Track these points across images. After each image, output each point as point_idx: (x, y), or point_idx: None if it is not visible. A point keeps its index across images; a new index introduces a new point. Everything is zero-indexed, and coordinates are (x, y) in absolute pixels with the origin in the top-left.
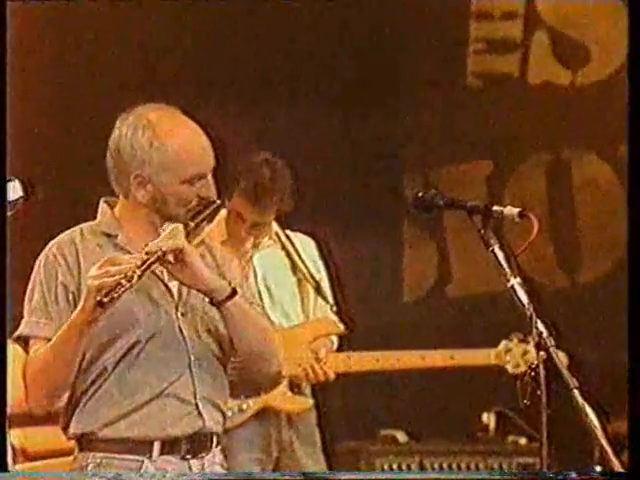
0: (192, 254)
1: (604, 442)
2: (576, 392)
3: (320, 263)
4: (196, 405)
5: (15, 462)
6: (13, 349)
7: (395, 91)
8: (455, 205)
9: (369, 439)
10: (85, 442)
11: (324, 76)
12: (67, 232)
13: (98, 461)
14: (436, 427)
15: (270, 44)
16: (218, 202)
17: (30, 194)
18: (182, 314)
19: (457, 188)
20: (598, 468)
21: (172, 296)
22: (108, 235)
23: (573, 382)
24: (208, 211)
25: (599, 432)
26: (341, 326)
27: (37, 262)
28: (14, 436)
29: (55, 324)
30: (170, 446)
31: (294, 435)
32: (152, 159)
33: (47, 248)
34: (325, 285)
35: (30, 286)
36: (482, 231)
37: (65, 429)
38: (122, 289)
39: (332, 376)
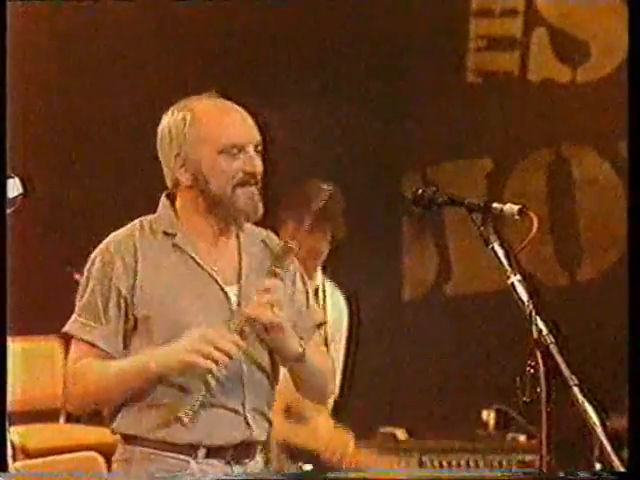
0: (284, 324)
1: (604, 439)
2: (576, 389)
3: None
4: (245, 417)
5: (15, 459)
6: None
7: (395, 89)
8: (454, 202)
9: (368, 437)
10: (131, 437)
11: (324, 74)
12: (127, 227)
13: (143, 456)
14: (435, 424)
15: (268, 44)
16: (294, 247)
17: (30, 191)
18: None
19: (457, 185)
20: (598, 465)
21: (230, 305)
22: (167, 234)
23: (573, 379)
24: (288, 257)
25: (599, 429)
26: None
27: (92, 257)
28: (14, 433)
29: (102, 329)
30: (216, 452)
31: None
32: (186, 134)
33: (104, 244)
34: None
35: (83, 282)
36: (482, 228)
37: (109, 421)
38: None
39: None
